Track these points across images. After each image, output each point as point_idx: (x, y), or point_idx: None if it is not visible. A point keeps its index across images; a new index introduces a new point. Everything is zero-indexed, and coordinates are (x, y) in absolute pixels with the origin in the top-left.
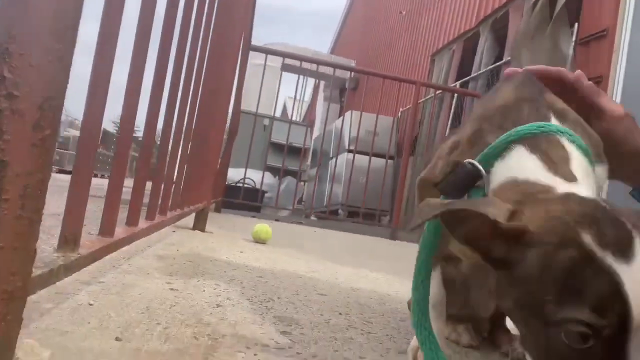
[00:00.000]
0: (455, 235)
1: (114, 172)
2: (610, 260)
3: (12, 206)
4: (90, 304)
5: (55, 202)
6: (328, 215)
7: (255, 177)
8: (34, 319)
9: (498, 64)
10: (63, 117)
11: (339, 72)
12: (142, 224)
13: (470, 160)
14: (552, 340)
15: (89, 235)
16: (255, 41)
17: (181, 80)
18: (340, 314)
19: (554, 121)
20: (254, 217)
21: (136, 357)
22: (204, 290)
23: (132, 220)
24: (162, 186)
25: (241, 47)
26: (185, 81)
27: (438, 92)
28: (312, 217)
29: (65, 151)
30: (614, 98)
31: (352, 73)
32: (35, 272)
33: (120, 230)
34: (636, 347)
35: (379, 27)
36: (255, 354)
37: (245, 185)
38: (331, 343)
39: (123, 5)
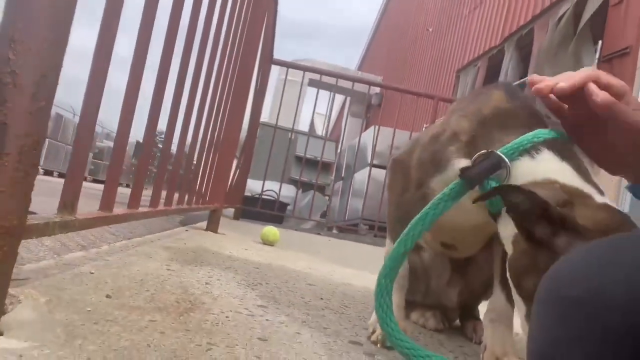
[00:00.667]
0: (509, 210)
1: (114, 156)
2: None
3: (11, 160)
4: (92, 273)
5: (87, 206)
6: (347, 227)
7: (278, 189)
8: (39, 279)
9: (522, 80)
10: (99, 129)
11: (364, 88)
12: (143, 208)
13: (499, 152)
14: None
15: (90, 209)
16: (283, 57)
17: (197, 95)
18: (321, 298)
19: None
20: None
21: (119, 309)
22: (198, 273)
23: (133, 203)
24: (165, 174)
25: (258, 60)
26: (202, 96)
27: None
28: (334, 231)
29: (100, 161)
30: None
31: (377, 89)
32: (33, 221)
33: (118, 210)
34: None
35: (406, 44)
36: (226, 316)
37: (267, 198)
38: (303, 316)
39: (150, 34)
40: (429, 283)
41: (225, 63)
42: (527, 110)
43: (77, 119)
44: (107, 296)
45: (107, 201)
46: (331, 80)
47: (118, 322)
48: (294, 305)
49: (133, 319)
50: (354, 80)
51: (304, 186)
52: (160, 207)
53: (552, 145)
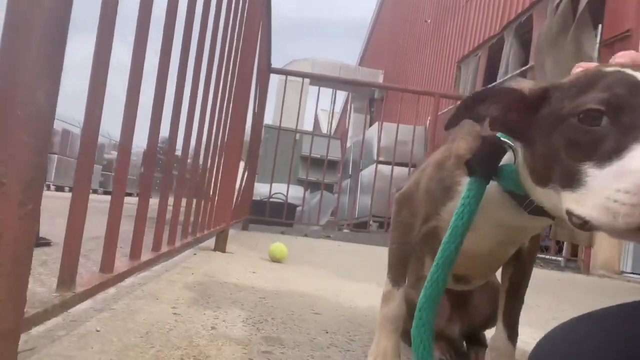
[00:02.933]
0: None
1: (112, 210)
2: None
3: (5, 268)
4: (97, 330)
5: (96, 224)
6: (354, 228)
7: (286, 190)
8: (46, 345)
9: (523, 68)
10: (107, 141)
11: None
12: (146, 255)
13: (495, 134)
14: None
15: (89, 271)
16: (285, 57)
17: (197, 108)
18: (326, 332)
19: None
20: (282, 232)
21: None
22: (204, 314)
23: (134, 254)
24: (165, 217)
25: (255, 70)
26: (202, 109)
27: (458, 100)
28: (345, 230)
29: (109, 173)
30: None
31: (380, 82)
32: (31, 311)
33: (120, 264)
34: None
35: (406, 37)
36: None
37: (276, 200)
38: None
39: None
40: None
41: (222, 76)
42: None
43: (110, 141)
44: None
45: (108, 262)
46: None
47: None
48: (299, 347)
49: None
50: (354, 83)
51: (311, 186)
52: (163, 249)
53: None
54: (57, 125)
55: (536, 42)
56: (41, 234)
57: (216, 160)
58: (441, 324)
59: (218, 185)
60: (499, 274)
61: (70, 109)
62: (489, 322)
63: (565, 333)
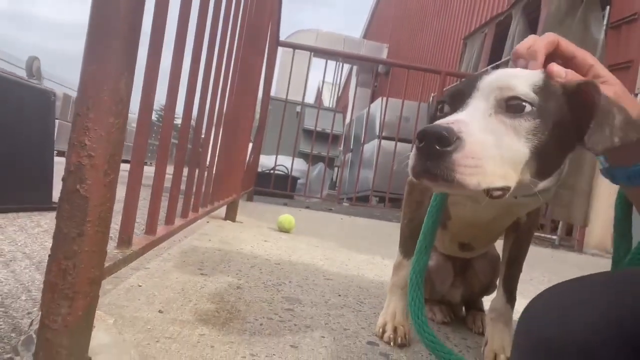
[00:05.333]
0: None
1: (155, 182)
2: None
3: (92, 225)
4: (140, 285)
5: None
6: (356, 202)
7: (288, 163)
8: (100, 296)
9: (503, 61)
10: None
11: (371, 56)
12: (178, 221)
13: None
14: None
15: (137, 233)
16: (290, 25)
17: (212, 77)
18: (339, 295)
19: None
20: (285, 204)
21: (172, 324)
22: (228, 276)
23: (169, 220)
24: (194, 187)
25: (267, 43)
26: (215, 78)
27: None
28: (344, 203)
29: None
30: None
31: (384, 55)
32: (105, 264)
33: (160, 229)
34: None
35: (412, 10)
36: (261, 324)
37: (277, 172)
38: (324, 318)
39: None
40: (433, 285)
41: (241, 50)
42: None
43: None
44: (160, 311)
45: (151, 226)
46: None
47: (175, 339)
48: (316, 306)
49: (186, 334)
50: (360, 58)
51: (313, 159)
52: (190, 216)
53: None
54: (59, 90)
55: (544, 22)
56: (54, 199)
57: (229, 132)
58: (444, 290)
59: (233, 155)
60: (499, 247)
61: (72, 73)
62: (487, 289)
63: (562, 289)
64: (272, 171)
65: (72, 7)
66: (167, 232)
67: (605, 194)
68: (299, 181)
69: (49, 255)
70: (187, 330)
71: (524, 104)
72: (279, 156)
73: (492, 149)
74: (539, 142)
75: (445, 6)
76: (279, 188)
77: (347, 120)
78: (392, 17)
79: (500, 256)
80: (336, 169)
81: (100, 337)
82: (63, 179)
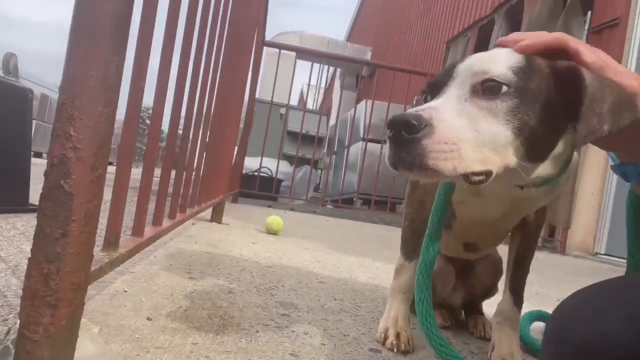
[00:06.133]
0: None
1: (143, 182)
2: None
3: (78, 225)
4: (125, 291)
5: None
6: (342, 204)
7: (273, 165)
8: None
9: None
10: None
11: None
12: (165, 222)
13: None
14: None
15: (124, 234)
16: (273, 27)
17: (199, 78)
18: (335, 299)
19: None
20: (269, 206)
21: (163, 332)
22: (218, 280)
23: (157, 221)
24: (181, 188)
25: (254, 44)
26: (203, 79)
27: None
28: (328, 206)
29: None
30: None
31: (368, 59)
32: (91, 268)
33: (148, 230)
34: None
35: (395, 14)
36: (257, 331)
37: (263, 174)
38: (322, 323)
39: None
40: (434, 289)
41: (229, 50)
42: None
43: None
44: (148, 319)
45: (139, 227)
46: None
47: (166, 349)
48: (313, 311)
49: (177, 343)
50: (346, 59)
51: (297, 161)
52: (178, 217)
53: None
54: (36, 89)
55: (525, 26)
56: (31, 200)
57: (215, 133)
58: (446, 293)
59: (220, 157)
60: (503, 251)
61: (49, 73)
62: (489, 293)
63: (594, 289)
64: (256, 173)
65: (49, 7)
66: (155, 233)
67: (587, 196)
68: (282, 183)
69: (29, 259)
70: (179, 339)
71: (500, 85)
72: (262, 158)
73: (467, 132)
74: (521, 123)
75: (428, 10)
76: (262, 190)
77: (331, 122)
78: (375, 20)
79: (506, 257)
80: (320, 171)
81: (85, 347)
82: (45, 174)
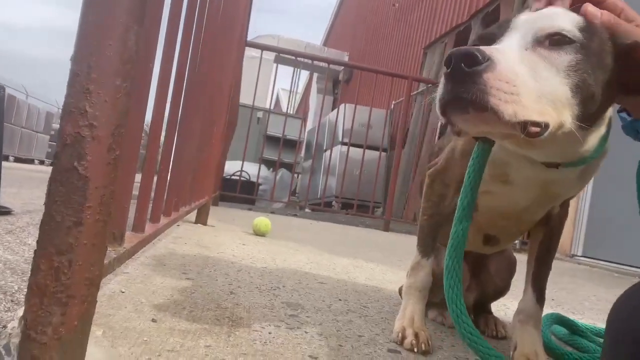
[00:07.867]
0: None
1: (143, 179)
2: None
3: (93, 212)
4: (122, 292)
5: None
6: (322, 207)
7: (249, 169)
8: None
9: None
10: (55, 110)
11: (333, 65)
12: (162, 220)
13: None
14: None
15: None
16: (251, 31)
17: (185, 76)
18: (339, 299)
19: None
20: (249, 209)
21: (171, 334)
22: (217, 280)
23: (155, 218)
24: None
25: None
26: (189, 77)
27: (430, 85)
28: (307, 210)
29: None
30: None
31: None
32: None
33: (147, 227)
34: None
35: (372, 19)
36: (269, 332)
37: (239, 178)
38: (334, 324)
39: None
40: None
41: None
42: None
43: (30, 100)
44: (153, 320)
45: (139, 223)
46: (301, 58)
47: (179, 352)
48: (321, 311)
49: (190, 345)
50: (327, 61)
51: (273, 165)
52: (172, 215)
53: None
54: (15, 94)
55: None
56: (1, 203)
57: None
58: None
59: (208, 157)
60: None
61: (17, 75)
62: (501, 293)
63: None
64: (234, 177)
65: (31, 11)
66: (154, 230)
67: None
68: (260, 187)
69: (35, 251)
70: (190, 341)
71: (567, 39)
72: (239, 162)
73: (528, 79)
74: (581, 80)
75: (404, 16)
76: (240, 193)
77: (308, 127)
78: (352, 25)
79: (528, 254)
80: (297, 175)
81: (91, 351)
82: (56, 155)
